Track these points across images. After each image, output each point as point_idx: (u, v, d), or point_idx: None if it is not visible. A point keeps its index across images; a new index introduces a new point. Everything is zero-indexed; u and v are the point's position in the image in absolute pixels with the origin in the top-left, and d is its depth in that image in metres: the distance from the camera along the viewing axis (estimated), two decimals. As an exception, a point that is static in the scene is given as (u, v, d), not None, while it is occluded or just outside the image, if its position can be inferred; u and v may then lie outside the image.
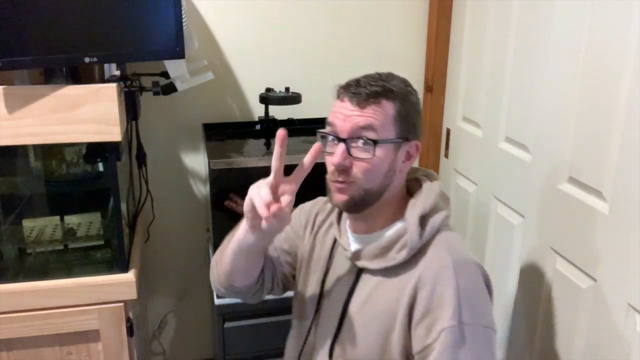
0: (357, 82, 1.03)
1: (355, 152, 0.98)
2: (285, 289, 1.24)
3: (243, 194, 1.71)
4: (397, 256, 1.00)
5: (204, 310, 2.02)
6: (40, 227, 1.55)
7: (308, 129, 1.79)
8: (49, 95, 1.23)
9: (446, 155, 1.92)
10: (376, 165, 0.98)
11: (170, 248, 1.92)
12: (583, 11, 1.17)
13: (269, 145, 1.70)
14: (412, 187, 1.08)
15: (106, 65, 1.48)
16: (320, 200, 1.22)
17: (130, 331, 1.41)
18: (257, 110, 1.85)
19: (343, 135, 0.98)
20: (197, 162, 1.87)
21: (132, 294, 1.39)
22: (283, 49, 1.82)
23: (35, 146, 1.46)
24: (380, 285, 1.02)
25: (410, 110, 1.01)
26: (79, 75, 1.35)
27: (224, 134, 1.74)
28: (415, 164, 1.09)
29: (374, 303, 1.02)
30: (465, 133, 1.77)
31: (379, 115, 0.98)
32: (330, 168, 1.01)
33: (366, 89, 1.00)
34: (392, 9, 1.85)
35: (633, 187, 1.04)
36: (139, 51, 1.25)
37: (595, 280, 1.16)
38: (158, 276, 1.95)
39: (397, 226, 1.03)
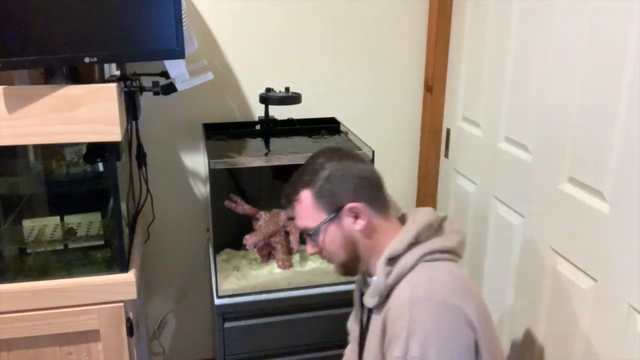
0: (284, 190, 1.16)
1: (312, 243, 1.15)
2: None
3: (243, 194, 1.73)
4: (375, 297, 1.07)
5: (204, 310, 2.02)
6: (40, 227, 1.54)
7: (308, 129, 1.79)
8: (49, 95, 1.23)
9: (446, 155, 1.92)
10: (329, 245, 1.12)
11: (170, 248, 1.92)
12: (583, 12, 1.17)
13: (268, 145, 1.70)
14: None
15: (106, 65, 1.48)
16: None
17: (130, 331, 1.41)
18: (257, 110, 1.85)
19: None
20: (197, 162, 1.87)
21: (132, 294, 1.39)
22: (283, 49, 1.82)
23: (35, 146, 1.46)
24: (375, 323, 1.09)
25: (324, 185, 1.09)
26: (79, 75, 1.35)
27: (224, 134, 1.74)
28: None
29: (372, 339, 1.10)
30: (465, 133, 1.77)
31: (302, 211, 1.12)
32: None
33: (286, 195, 1.15)
34: (392, 9, 1.85)
35: (633, 187, 1.04)
36: (139, 51, 1.24)
37: (595, 280, 1.16)
38: (158, 276, 1.95)
39: None
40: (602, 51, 1.12)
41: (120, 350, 1.42)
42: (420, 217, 1.10)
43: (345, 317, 1.35)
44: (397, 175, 2.04)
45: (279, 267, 1.63)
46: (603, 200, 1.14)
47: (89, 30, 1.19)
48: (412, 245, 1.06)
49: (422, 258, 1.04)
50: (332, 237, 1.11)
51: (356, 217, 1.09)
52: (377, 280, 1.05)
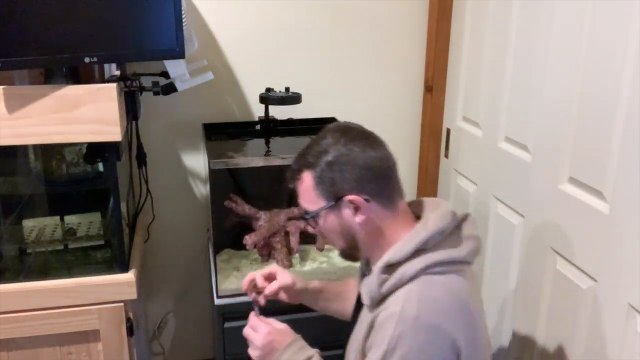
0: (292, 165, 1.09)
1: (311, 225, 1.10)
2: None
3: (243, 194, 1.73)
4: (366, 299, 1.02)
5: (204, 310, 2.02)
6: (40, 227, 1.55)
7: (308, 129, 1.79)
8: (49, 95, 1.23)
9: (446, 155, 1.92)
10: (327, 231, 1.07)
11: (170, 248, 1.92)
12: (583, 11, 1.17)
13: (269, 145, 1.70)
14: None
15: (106, 65, 1.48)
16: None
17: (130, 331, 1.41)
18: (257, 110, 1.84)
19: None
20: (197, 162, 1.87)
21: (132, 294, 1.39)
22: (283, 49, 1.82)
23: (35, 146, 1.46)
24: (363, 318, 1.06)
25: (326, 171, 1.01)
26: (79, 75, 1.35)
27: (224, 134, 1.74)
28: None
29: (356, 333, 1.06)
30: (465, 133, 1.77)
31: (302, 192, 1.05)
32: None
33: (290, 171, 1.08)
34: (392, 9, 1.85)
35: (633, 187, 1.04)
36: (139, 51, 1.25)
37: (595, 280, 1.16)
38: (158, 276, 1.95)
39: None
40: (602, 51, 1.12)
41: (120, 350, 1.42)
42: (433, 221, 1.00)
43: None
44: (397, 175, 2.04)
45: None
46: (603, 200, 1.14)
47: (89, 30, 1.19)
48: (416, 253, 0.97)
49: (424, 270, 0.96)
50: (330, 224, 1.04)
51: (357, 209, 1.01)
52: (370, 286, 0.99)
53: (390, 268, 0.97)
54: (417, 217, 1.07)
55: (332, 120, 1.84)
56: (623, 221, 1.08)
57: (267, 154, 1.64)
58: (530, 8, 1.38)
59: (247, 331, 1.14)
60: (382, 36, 1.87)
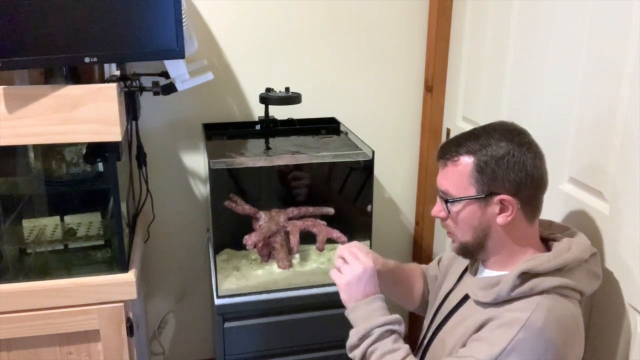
0: (446, 142, 1.06)
1: (443, 208, 1.06)
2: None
3: (243, 194, 1.73)
4: (487, 295, 1.02)
5: (204, 310, 2.02)
6: (40, 227, 1.55)
7: (308, 129, 1.79)
8: (49, 95, 1.23)
9: (446, 155, 1.92)
10: (461, 220, 1.03)
11: (170, 248, 1.92)
12: (583, 12, 1.17)
13: (268, 145, 1.70)
14: (553, 246, 1.07)
15: (106, 65, 1.48)
16: None
17: (130, 331, 1.41)
18: (257, 110, 1.85)
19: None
20: (197, 162, 1.87)
21: (132, 294, 1.39)
22: (283, 49, 1.82)
23: (35, 146, 1.46)
24: (472, 314, 1.04)
25: (490, 164, 0.99)
26: (79, 75, 1.35)
27: (224, 134, 1.74)
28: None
29: (461, 327, 1.05)
30: (465, 133, 1.77)
31: (452, 174, 1.02)
32: None
33: (445, 149, 1.04)
34: (392, 9, 1.85)
35: (633, 187, 1.04)
36: (139, 51, 1.25)
37: (595, 280, 1.16)
38: (158, 276, 1.95)
39: (505, 273, 1.03)
40: (602, 51, 1.12)
41: (120, 350, 1.42)
42: (577, 249, 1.02)
43: (344, 317, 1.34)
44: (397, 175, 2.04)
45: (279, 267, 1.63)
46: (603, 200, 1.14)
47: (89, 30, 1.19)
48: (556, 271, 0.98)
49: (556, 289, 0.97)
50: (468, 215, 1.02)
51: (502, 210, 1.00)
52: (502, 285, 0.99)
53: (525, 276, 0.98)
54: (541, 237, 1.08)
55: (332, 120, 1.84)
56: (623, 221, 1.08)
57: (267, 154, 1.64)
58: (530, 8, 1.38)
59: (344, 252, 1.10)
60: (382, 36, 1.87)
